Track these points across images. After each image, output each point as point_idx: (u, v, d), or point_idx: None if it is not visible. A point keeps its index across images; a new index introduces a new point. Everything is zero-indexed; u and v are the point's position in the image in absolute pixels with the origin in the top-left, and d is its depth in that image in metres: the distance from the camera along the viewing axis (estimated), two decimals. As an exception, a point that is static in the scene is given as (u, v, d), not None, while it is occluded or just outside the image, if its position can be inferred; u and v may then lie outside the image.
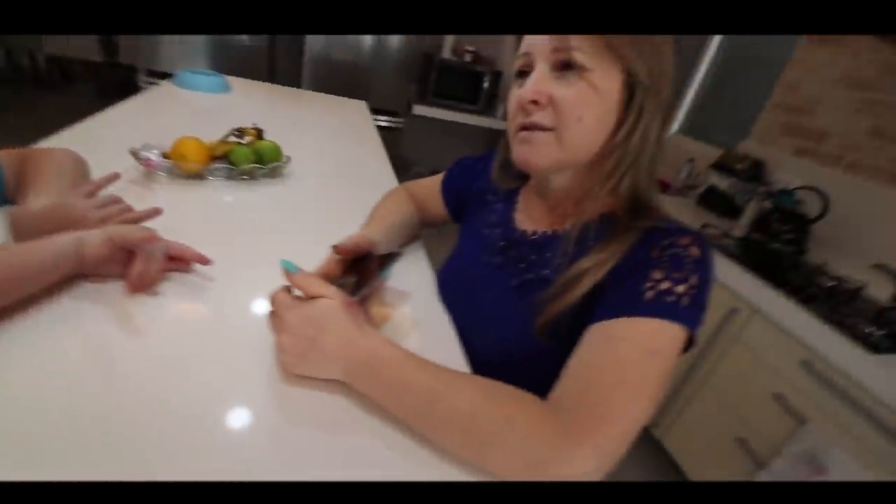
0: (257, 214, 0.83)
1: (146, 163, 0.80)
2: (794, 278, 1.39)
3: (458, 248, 0.79)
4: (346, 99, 2.05)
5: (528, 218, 0.67)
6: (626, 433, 0.41)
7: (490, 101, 3.06)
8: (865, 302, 1.29)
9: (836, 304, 1.27)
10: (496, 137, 3.28)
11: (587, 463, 0.39)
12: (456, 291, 0.70)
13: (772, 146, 1.82)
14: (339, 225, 0.86)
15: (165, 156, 0.84)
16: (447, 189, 0.83)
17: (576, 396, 0.43)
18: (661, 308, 0.46)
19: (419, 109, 3.02)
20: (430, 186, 0.86)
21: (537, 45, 0.53)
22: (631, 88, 0.52)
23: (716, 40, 2.24)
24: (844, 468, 1.00)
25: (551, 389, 0.46)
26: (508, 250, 0.65)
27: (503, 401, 0.43)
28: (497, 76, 3.02)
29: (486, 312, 0.64)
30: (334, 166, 1.22)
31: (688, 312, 0.46)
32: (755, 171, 1.81)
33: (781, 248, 1.53)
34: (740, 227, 1.69)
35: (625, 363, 0.44)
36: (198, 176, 0.88)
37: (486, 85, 2.95)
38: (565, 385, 0.46)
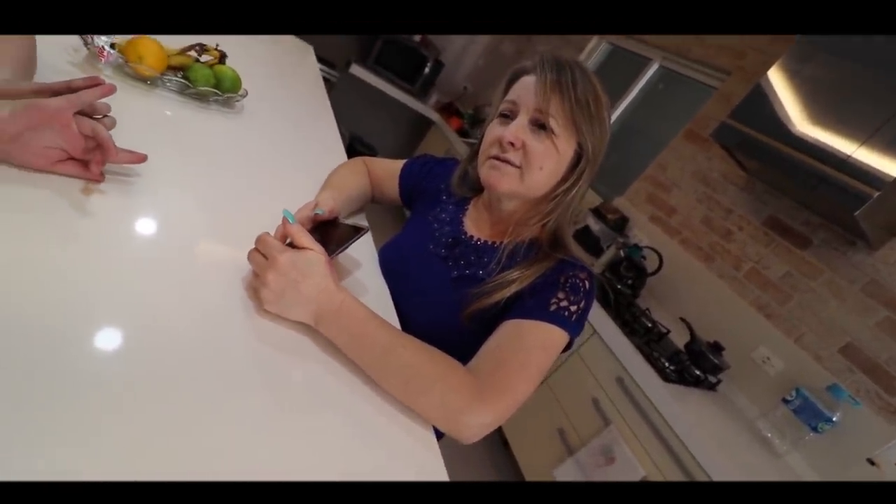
0: (204, 141, 0.77)
1: (99, 52, 0.68)
2: (626, 314, 1.71)
3: (404, 231, 0.85)
4: (294, 38, 1.88)
5: (475, 225, 0.77)
6: (517, 402, 0.54)
7: (425, 87, 3.06)
8: (668, 343, 1.65)
9: (649, 340, 1.61)
10: (421, 121, 3.31)
11: (488, 418, 0.51)
12: (397, 267, 0.77)
13: (636, 208, 2.19)
14: (285, 174, 0.85)
15: (120, 50, 0.71)
16: (406, 177, 0.87)
17: (489, 370, 0.55)
18: (558, 319, 0.60)
19: (357, 70, 2.90)
20: (388, 169, 0.89)
21: (525, 99, 0.64)
22: (578, 157, 0.66)
23: (618, 112, 2.57)
24: (626, 460, 1.30)
25: (470, 360, 0.58)
26: (455, 247, 0.74)
27: (439, 362, 0.53)
28: (438, 66, 3.02)
29: (423, 292, 0.72)
30: (286, 112, 1.15)
31: (574, 326, 0.62)
32: (620, 224, 2.15)
33: (622, 290, 1.87)
34: (599, 265, 2.01)
35: (527, 352, 0.57)
36: (147, 82, 0.77)
37: (426, 70, 2.95)
38: (482, 360, 0.57)
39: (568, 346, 0.63)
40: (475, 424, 0.50)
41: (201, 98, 0.84)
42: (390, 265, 0.77)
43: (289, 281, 0.48)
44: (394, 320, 0.65)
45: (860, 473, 1.26)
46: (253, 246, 0.52)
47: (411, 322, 0.68)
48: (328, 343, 0.51)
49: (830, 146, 1.30)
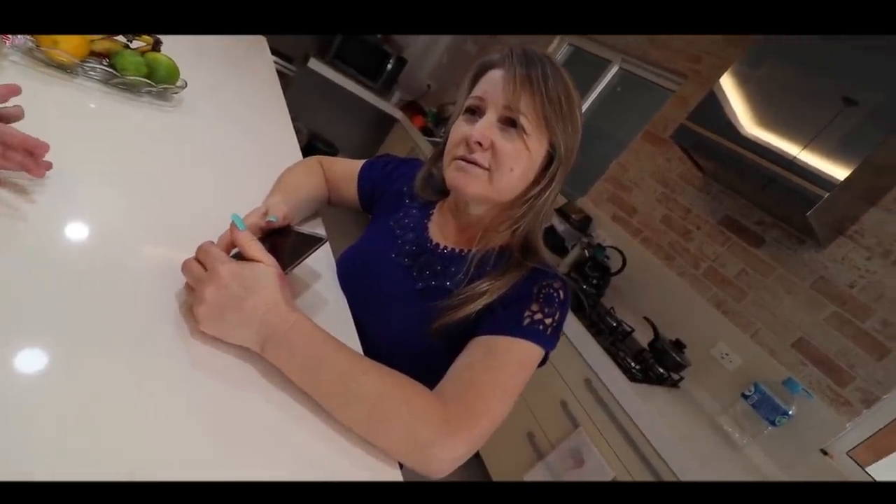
0: (135, 137, 0.68)
1: (3, 36, 0.58)
2: (591, 315, 1.71)
3: (365, 238, 0.79)
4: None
5: (441, 232, 0.72)
6: (490, 428, 0.49)
7: (388, 84, 2.98)
8: (633, 342, 1.67)
9: (615, 339, 1.62)
10: (383, 120, 3.23)
11: (459, 449, 0.46)
12: (356, 278, 0.70)
13: (599, 208, 2.21)
14: (230, 175, 0.78)
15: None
16: (366, 178, 0.81)
17: (459, 393, 0.50)
18: (532, 333, 0.56)
19: (315, 65, 2.78)
20: (346, 169, 0.83)
21: (493, 95, 0.60)
22: (550, 158, 0.62)
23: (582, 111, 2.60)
24: (596, 462, 1.30)
25: (439, 383, 0.52)
26: (419, 256, 0.69)
27: (404, 387, 0.47)
28: (401, 62, 2.96)
29: (387, 305, 0.66)
30: (232, 107, 1.06)
31: (549, 340, 0.58)
32: (584, 224, 2.17)
33: (587, 290, 1.88)
34: (564, 265, 2.01)
35: (500, 371, 0.53)
36: (65, 69, 0.67)
37: (389, 67, 2.87)
38: (451, 382, 0.52)
39: (543, 361, 0.59)
40: (446, 458, 0.45)
41: (131, 89, 0.75)
42: (350, 274, 0.71)
43: (230, 297, 0.42)
44: (353, 341, 0.59)
45: (814, 463, 1.31)
46: (191, 255, 0.45)
47: (374, 338, 0.63)
48: (276, 371, 0.45)
49: (779, 147, 1.35)
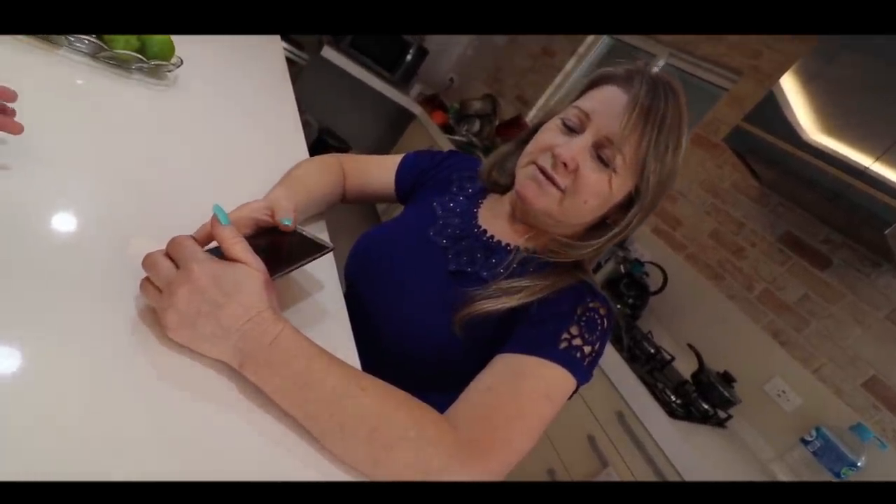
0: (122, 117, 0.67)
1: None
2: (626, 339, 1.65)
3: (397, 219, 0.80)
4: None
5: (492, 216, 0.72)
6: (511, 462, 0.47)
7: (407, 76, 2.99)
8: (673, 372, 1.59)
9: (652, 368, 1.55)
10: (401, 115, 3.24)
11: (476, 480, 0.43)
12: (376, 260, 0.71)
13: (638, 218, 2.14)
14: (224, 164, 0.76)
15: None
16: (410, 168, 0.83)
17: (477, 417, 0.48)
18: (567, 360, 0.53)
19: (329, 53, 2.81)
20: (377, 163, 0.85)
21: (602, 118, 0.59)
22: (631, 199, 0.62)
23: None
24: (626, 510, 1.23)
25: (451, 406, 0.50)
26: (461, 240, 0.69)
27: (409, 406, 0.45)
28: (422, 53, 2.96)
29: (409, 287, 0.66)
30: (231, 89, 1.05)
31: (585, 371, 0.55)
32: (620, 235, 2.11)
33: (622, 311, 1.81)
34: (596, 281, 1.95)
35: (526, 399, 0.50)
36: (48, 39, 0.67)
37: (408, 57, 2.88)
38: (468, 404, 0.50)
39: (572, 394, 0.56)
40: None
41: (121, 64, 0.74)
42: (369, 256, 0.72)
43: (206, 302, 0.39)
44: (354, 361, 0.55)
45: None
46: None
47: (386, 330, 0.63)
48: (259, 390, 0.41)
49: (851, 154, 1.27)
